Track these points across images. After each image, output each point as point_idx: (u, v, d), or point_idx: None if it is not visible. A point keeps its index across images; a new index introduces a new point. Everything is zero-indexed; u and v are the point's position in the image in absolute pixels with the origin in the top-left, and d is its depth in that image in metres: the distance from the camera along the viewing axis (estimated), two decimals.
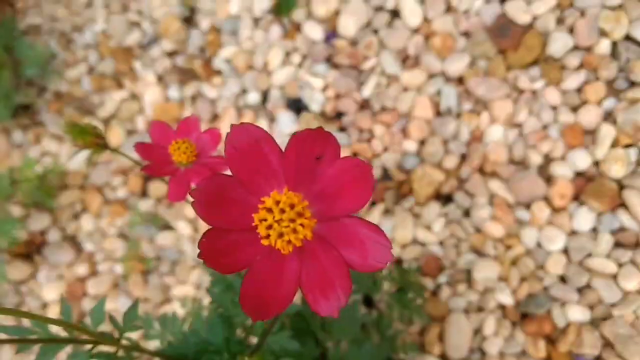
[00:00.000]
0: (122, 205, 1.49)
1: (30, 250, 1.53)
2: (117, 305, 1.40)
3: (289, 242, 0.38)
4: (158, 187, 1.46)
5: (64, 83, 1.65)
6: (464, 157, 1.28)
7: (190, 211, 1.41)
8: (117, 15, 1.67)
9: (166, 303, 1.38)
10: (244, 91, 1.48)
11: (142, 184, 1.49)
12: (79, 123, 0.59)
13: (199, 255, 0.39)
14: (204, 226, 1.39)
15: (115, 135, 1.54)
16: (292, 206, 0.39)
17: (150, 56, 1.60)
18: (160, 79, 1.57)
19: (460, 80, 1.33)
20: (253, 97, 1.45)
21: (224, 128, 1.41)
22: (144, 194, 1.49)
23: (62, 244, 1.51)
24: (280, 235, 0.38)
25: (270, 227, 0.39)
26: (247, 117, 1.43)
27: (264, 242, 0.39)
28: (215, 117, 1.47)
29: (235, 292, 0.63)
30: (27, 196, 1.49)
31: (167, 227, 1.44)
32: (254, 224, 0.39)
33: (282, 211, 0.38)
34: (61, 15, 1.74)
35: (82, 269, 1.46)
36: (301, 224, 0.39)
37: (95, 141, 0.59)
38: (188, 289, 1.36)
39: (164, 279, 1.39)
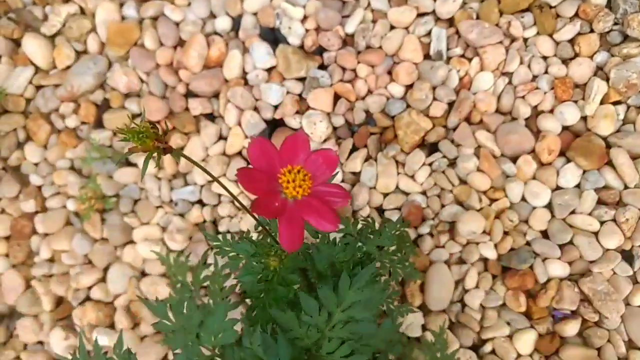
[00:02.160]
0: (73, 135, 1.35)
1: None
2: (70, 246, 1.30)
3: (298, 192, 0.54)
4: (114, 119, 1.33)
5: None
6: (451, 105, 1.24)
7: None
8: None
9: (128, 245, 1.29)
10: (212, 15, 1.35)
11: (96, 113, 1.35)
12: (136, 126, 0.48)
13: (252, 209, 0.52)
14: (168, 162, 1.29)
15: (62, 56, 1.37)
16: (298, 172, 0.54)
17: None
18: None
19: (451, 22, 1.26)
20: (222, 23, 1.32)
21: (193, 55, 1.28)
22: (98, 124, 1.35)
23: (3, 175, 1.36)
24: (294, 188, 0.54)
25: (288, 182, 0.54)
26: (217, 47, 1.30)
27: (286, 192, 0.54)
28: (181, 43, 1.33)
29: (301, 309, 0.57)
30: None
31: (127, 163, 1.32)
32: (278, 185, 0.55)
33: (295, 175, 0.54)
34: None
35: (29, 205, 1.33)
36: (304, 182, 0.54)
37: (157, 145, 0.49)
38: (152, 231, 1.27)
39: (124, 219, 1.29)
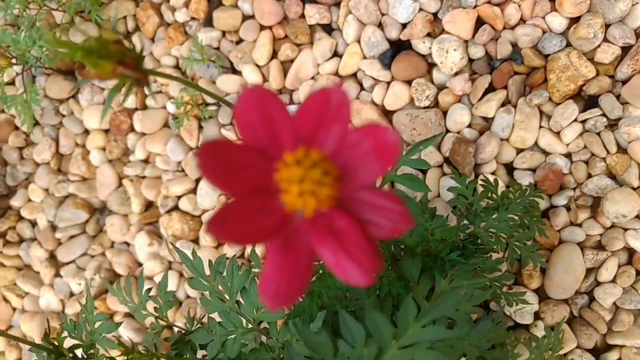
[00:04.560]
0: (181, 30, 1.24)
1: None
2: (165, 150, 1.22)
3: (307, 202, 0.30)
4: (224, 19, 1.19)
5: None
6: (625, 51, 0.97)
7: (259, 56, 1.16)
8: None
9: None
10: None
11: (207, 9, 1.22)
12: (91, 40, 0.31)
13: (211, 227, 0.29)
14: (274, 75, 1.15)
15: None
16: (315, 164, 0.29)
17: None
18: None
19: None
20: None
21: None
22: (208, 22, 1.22)
23: None
24: (301, 193, 0.29)
25: (290, 182, 0.30)
26: None
27: (286, 199, 0.30)
28: None
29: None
30: (70, 2, 1.23)
31: (231, 69, 1.20)
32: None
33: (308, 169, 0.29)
34: None
35: (129, 100, 1.26)
36: (323, 184, 0.29)
37: (122, 71, 0.33)
38: None
39: (221, 131, 1.19)
